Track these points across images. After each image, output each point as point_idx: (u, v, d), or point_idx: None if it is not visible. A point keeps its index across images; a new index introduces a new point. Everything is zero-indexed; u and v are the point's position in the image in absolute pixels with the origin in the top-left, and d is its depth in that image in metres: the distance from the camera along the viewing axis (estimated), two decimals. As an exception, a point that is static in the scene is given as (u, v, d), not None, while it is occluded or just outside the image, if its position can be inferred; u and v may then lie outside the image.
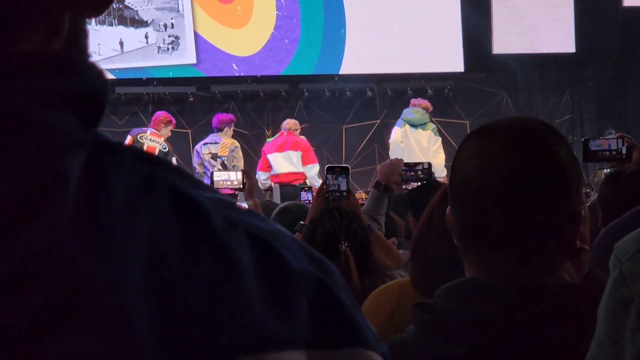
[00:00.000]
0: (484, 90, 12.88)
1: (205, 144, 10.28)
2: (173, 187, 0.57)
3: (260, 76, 12.35)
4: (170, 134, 10.07)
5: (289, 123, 10.49)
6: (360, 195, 6.82)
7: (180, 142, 11.28)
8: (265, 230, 0.59)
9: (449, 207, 1.45)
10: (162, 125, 9.99)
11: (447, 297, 1.38)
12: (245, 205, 4.36)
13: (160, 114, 10.19)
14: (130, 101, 11.85)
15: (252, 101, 12.39)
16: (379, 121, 12.56)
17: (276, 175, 10.31)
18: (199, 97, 12.33)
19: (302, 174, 10.22)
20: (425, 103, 10.78)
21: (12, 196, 0.51)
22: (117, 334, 0.50)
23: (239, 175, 4.99)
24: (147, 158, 0.59)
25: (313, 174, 10.16)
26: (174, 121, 10.17)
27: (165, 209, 0.55)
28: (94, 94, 0.57)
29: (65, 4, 0.56)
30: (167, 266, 0.53)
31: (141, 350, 0.50)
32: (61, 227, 0.51)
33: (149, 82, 12.15)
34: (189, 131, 11.91)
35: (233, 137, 10.43)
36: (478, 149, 1.40)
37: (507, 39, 12.67)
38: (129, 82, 11.99)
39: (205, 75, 12.12)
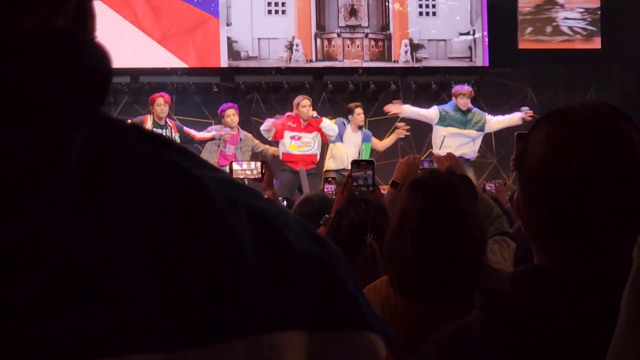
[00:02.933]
0: (508, 85, 12.82)
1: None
2: (175, 166, 0.56)
3: (285, 67, 12.34)
4: (159, 111, 10.08)
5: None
6: (385, 188, 6.78)
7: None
8: (269, 210, 0.59)
9: (517, 192, 1.43)
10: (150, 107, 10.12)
11: (513, 284, 1.35)
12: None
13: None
14: (153, 90, 11.83)
15: (275, 92, 12.38)
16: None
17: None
18: (222, 88, 12.34)
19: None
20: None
21: (13, 171, 0.51)
22: (117, 312, 0.50)
23: (258, 165, 4.97)
24: (151, 136, 0.58)
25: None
26: (155, 96, 10.22)
27: (166, 187, 0.55)
28: (98, 73, 0.58)
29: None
30: (167, 244, 0.53)
31: (141, 328, 0.50)
32: (62, 203, 0.51)
33: (172, 71, 12.16)
34: (212, 122, 11.90)
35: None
36: (549, 134, 1.37)
37: (532, 34, 12.60)
38: (153, 72, 12.01)
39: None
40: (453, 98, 10.83)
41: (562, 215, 1.34)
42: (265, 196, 4.48)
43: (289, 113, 10.56)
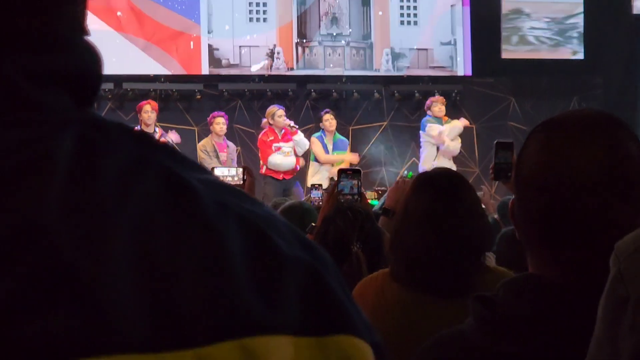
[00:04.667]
0: (491, 95, 12.87)
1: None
2: (164, 168, 0.56)
3: (268, 75, 12.35)
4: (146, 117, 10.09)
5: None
6: (371, 195, 6.80)
7: (187, 140, 11.27)
8: (258, 214, 0.58)
9: (512, 200, 1.43)
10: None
11: (508, 292, 1.36)
12: None
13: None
14: (137, 97, 11.82)
15: (259, 100, 12.37)
16: (385, 123, 12.54)
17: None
18: (206, 95, 12.32)
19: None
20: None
21: (1, 171, 0.51)
22: (100, 315, 0.50)
23: (240, 171, 4.97)
24: (141, 138, 0.58)
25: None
26: (142, 103, 10.25)
27: (155, 190, 0.54)
28: (88, 73, 0.58)
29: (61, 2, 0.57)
30: (154, 248, 0.52)
31: (124, 329, 0.50)
32: (48, 203, 0.51)
33: (156, 78, 12.15)
34: (196, 129, 11.89)
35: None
36: (545, 142, 1.37)
37: (515, 44, 12.66)
38: (137, 78, 11.99)
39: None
40: (428, 112, 10.88)
41: (557, 223, 1.34)
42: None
43: (261, 133, 10.55)
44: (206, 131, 10.79)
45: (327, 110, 10.90)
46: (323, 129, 10.71)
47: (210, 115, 10.57)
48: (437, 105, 10.83)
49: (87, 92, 0.58)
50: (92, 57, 0.58)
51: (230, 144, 10.62)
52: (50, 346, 0.48)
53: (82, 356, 0.49)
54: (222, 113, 10.59)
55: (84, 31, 0.59)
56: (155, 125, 10.19)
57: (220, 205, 0.56)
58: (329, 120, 10.65)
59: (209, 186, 0.57)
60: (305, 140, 10.52)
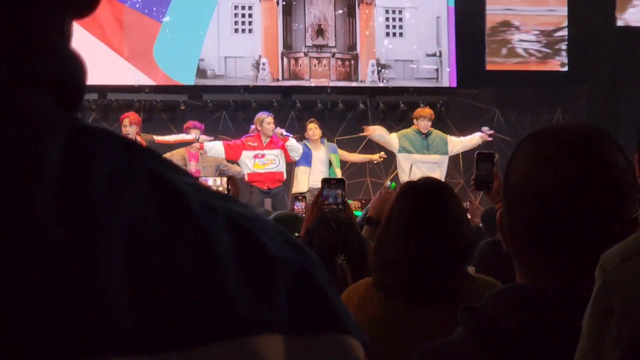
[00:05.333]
0: (476, 106, 12.91)
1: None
2: (153, 171, 0.57)
3: (253, 86, 12.35)
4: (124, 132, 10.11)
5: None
6: (355, 204, 6.81)
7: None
8: (246, 216, 0.59)
9: (500, 211, 1.44)
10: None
11: (496, 302, 1.36)
12: None
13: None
14: (121, 107, 11.81)
15: (243, 111, 12.37)
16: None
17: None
18: (190, 106, 12.31)
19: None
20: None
21: None
22: (97, 317, 0.50)
23: (224, 181, 4.98)
24: (127, 143, 0.58)
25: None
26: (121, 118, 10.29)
27: (145, 193, 0.55)
28: (73, 80, 0.58)
29: (50, 13, 0.57)
30: (146, 250, 0.53)
31: (119, 332, 0.50)
32: (41, 208, 0.51)
33: (140, 89, 12.13)
34: (180, 139, 11.88)
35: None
36: (535, 153, 1.38)
37: (499, 55, 12.71)
38: (121, 89, 11.98)
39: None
40: (414, 121, 10.86)
41: (546, 234, 1.34)
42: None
43: (246, 135, 10.55)
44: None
45: (312, 119, 10.90)
46: (307, 138, 10.71)
47: (185, 125, 10.57)
48: (423, 121, 10.76)
49: (72, 97, 0.58)
50: (77, 64, 0.59)
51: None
52: (48, 348, 0.48)
53: (80, 358, 0.49)
54: (197, 124, 10.55)
55: (69, 38, 0.60)
56: (137, 136, 10.16)
57: (208, 207, 0.57)
58: (313, 130, 10.65)
59: (196, 189, 0.58)
60: (299, 145, 10.51)
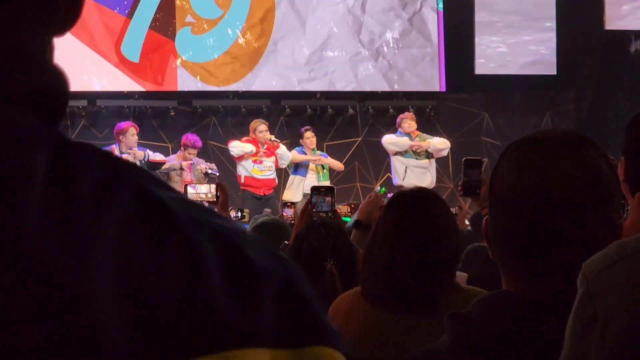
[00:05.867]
0: (465, 110, 12.93)
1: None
2: (138, 186, 0.57)
3: (242, 91, 12.33)
4: (133, 141, 10.11)
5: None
6: (344, 208, 6.82)
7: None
8: (229, 229, 0.59)
9: (486, 219, 1.44)
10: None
11: (482, 309, 1.36)
12: None
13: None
14: (111, 114, 11.80)
15: (233, 116, 12.37)
16: (360, 139, 12.58)
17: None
18: (180, 112, 12.30)
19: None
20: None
21: None
22: (85, 330, 0.50)
23: (213, 188, 4.97)
24: (111, 158, 0.59)
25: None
26: (127, 126, 10.26)
27: (131, 207, 0.55)
28: (55, 93, 0.58)
29: (30, 29, 0.58)
30: (133, 263, 0.53)
31: (106, 343, 0.50)
32: (27, 221, 0.51)
33: (130, 95, 12.11)
34: (169, 145, 11.87)
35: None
36: (518, 162, 1.39)
37: (488, 59, 12.73)
38: (110, 95, 11.95)
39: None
40: (399, 128, 10.93)
41: (531, 241, 1.35)
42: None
43: (245, 138, 10.57)
44: (180, 148, 10.74)
45: (308, 127, 10.93)
46: (303, 146, 10.74)
47: (183, 140, 10.57)
48: (406, 122, 10.86)
49: (55, 113, 0.58)
50: (59, 80, 0.59)
51: (197, 159, 10.56)
52: (35, 356, 0.49)
53: None
54: (197, 141, 10.57)
55: (51, 53, 0.60)
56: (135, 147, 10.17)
57: (193, 221, 0.57)
58: (310, 139, 10.72)
59: (181, 204, 0.58)
60: (288, 153, 10.55)
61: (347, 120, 12.68)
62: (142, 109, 12.17)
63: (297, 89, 12.45)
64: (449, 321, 1.38)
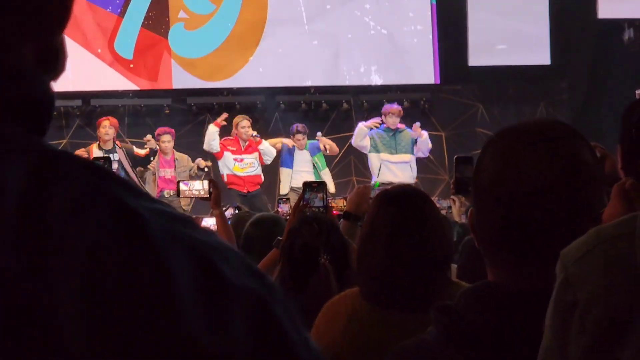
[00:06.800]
0: (459, 102, 12.93)
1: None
2: (115, 198, 0.56)
3: (236, 88, 12.33)
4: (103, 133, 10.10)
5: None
6: (340, 202, 6.82)
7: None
8: (207, 244, 0.58)
9: (471, 210, 1.45)
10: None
11: (468, 300, 1.37)
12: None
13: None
14: (105, 113, 11.78)
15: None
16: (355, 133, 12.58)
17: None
18: (174, 109, 12.29)
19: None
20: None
21: None
22: (52, 344, 0.50)
23: (206, 184, 4.97)
24: (91, 168, 0.58)
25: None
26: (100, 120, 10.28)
27: (105, 220, 0.55)
28: (40, 104, 0.58)
29: (14, 39, 0.58)
30: (103, 280, 0.53)
31: None
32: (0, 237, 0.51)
33: (124, 94, 12.10)
34: (165, 143, 11.85)
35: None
36: (501, 153, 1.39)
37: (482, 51, 12.72)
38: (105, 94, 11.94)
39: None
40: (382, 117, 10.84)
41: (514, 231, 1.35)
42: (213, 215, 4.50)
43: (226, 137, 10.55)
44: (175, 145, 10.72)
45: (300, 130, 10.88)
46: (295, 145, 10.75)
47: (157, 132, 10.56)
48: (392, 118, 10.74)
49: (40, 122, 0.58)
50: (44, 90, 0.59)
51: (181, 155, 10.56)
52: None
53: None
54: (169, 130, 10.54)
55: (38, 63, 0.60)
56: (114, 141, 10.13)
57: (169, 234, 0.57)
58: (301, 141, 10.72)
59: (160, 216, 0.57)
60: (272, 148, 10.54)
61: (342, 114, 12.68)
62: (136, 108, 12.16)
63: (291, 84, 12.44)
64: (435, 313, 1.39)
